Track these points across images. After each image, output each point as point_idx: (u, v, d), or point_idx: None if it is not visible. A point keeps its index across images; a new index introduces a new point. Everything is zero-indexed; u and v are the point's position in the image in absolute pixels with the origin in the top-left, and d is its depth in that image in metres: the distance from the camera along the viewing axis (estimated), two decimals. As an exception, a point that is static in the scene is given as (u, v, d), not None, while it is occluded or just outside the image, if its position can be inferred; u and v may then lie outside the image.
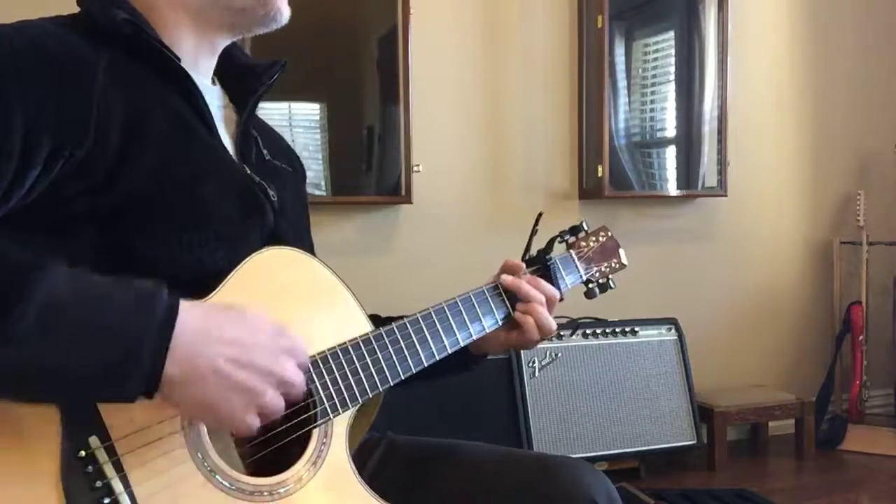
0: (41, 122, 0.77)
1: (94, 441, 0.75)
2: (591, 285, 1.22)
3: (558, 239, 1.19)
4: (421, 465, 1.07)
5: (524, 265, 1.13)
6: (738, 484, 2.43)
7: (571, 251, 1.20)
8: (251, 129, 1.03)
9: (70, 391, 0.73)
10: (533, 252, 1.17)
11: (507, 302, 1.09)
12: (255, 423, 0.79)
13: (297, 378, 0.82)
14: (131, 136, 0.83)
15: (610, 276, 1.23)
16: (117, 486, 0.75)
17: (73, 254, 0.79)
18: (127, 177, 0.82)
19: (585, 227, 1.22)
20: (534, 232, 1.18)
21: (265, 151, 1.05)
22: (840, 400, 2.99)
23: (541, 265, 1.15)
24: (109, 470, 0.75)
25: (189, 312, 0.76)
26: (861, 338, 2.94)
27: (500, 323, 1.08)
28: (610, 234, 1.24)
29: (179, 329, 0.74)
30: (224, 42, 1.00)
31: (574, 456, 2.32)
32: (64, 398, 0.74)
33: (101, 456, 0.75)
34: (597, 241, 1.22)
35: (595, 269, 1.21)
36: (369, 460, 1.08)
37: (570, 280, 1.18)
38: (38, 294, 0.69)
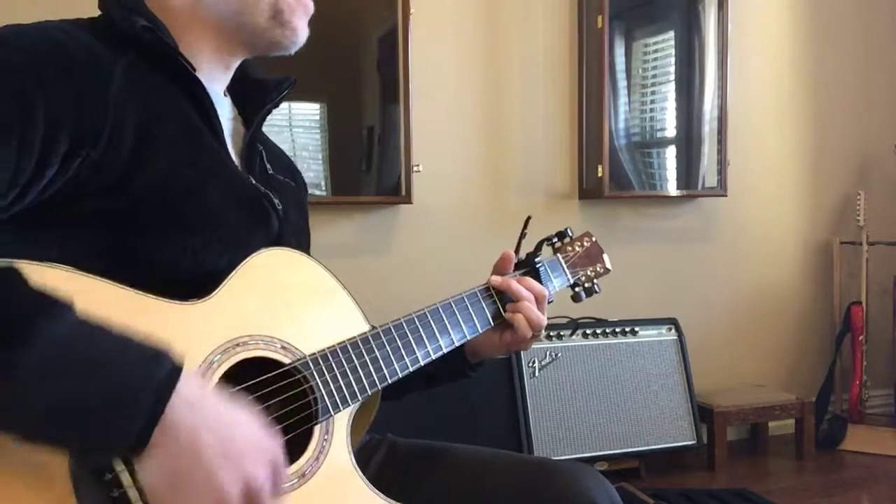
0: (60, 120, 0.77)
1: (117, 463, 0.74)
2: (577, 289, 1.24)
3: (546, 242, 1.22)
4: (422, 468, 1.08)
5: (513, 255, 1.15)
6: (738, 484, 2.43)
7: (559, 255, 1.22)
8: (257, 144, 1.04)
9: (59, 435, 0.70)
10: (522, 255, 1.19)
11: (497, 302, 1.11)
12: None
13: (265, 487, 0.76)
14: (144, 139, 0.83)
15: (595, 281, 1.25)
16: (126, 478, 0.75)
17: (77, 254, 0.80)
18: (138, 179, 0.83)
19: (570, 233, 1.25)
20: (522, 235, 1.20)
21: (268, 166, 1.07)
22: (840, 400, 3.00)
23: (530, 268, 1.17)
24: (118, 463, 0.75)
25: (189, 380, 0.73)
26: (861, 338, 2.94)
27: (492, 323, 1.10)
28: (594, 239, 1.26)
29: (176, 394, 0.71)
30: (239, 59, 1.01)
31: (574, 456, 2.35)
32: (49, 443, 0.71)
33: (119, 465, 0.74)
34: (581, 246, 1.25)
35: (581, 273, 1.23)
36: (370, 462, 1.09)
37: (558, 283, 1.20)
38: (48, 327, 0.68)
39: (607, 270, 1.25)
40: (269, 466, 0.77)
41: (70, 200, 0.80)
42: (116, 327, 0.73)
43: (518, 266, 1.17)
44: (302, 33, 0.98)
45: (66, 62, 0.80)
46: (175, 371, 0.72)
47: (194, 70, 0.92)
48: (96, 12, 0.93)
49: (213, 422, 0.74)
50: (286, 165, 1.15)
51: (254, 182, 0.98)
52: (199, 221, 0.88)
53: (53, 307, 0.70)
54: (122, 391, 0.69)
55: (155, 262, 0.84)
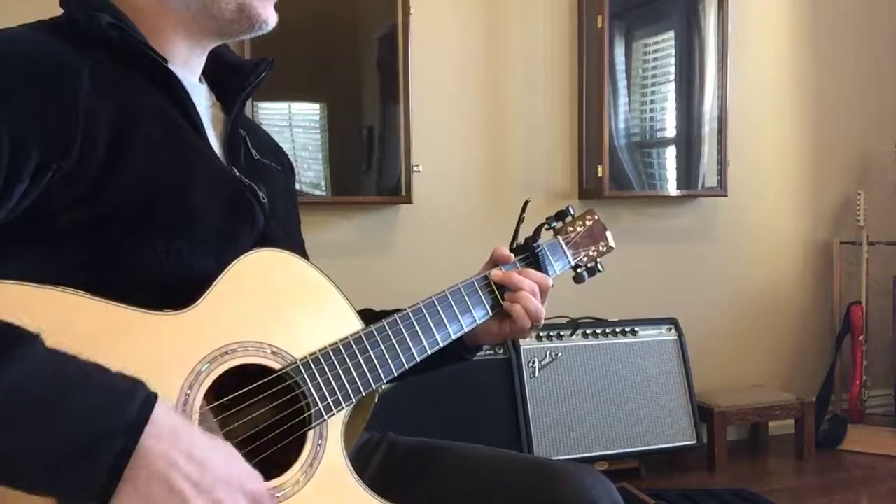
0: (27, 134, 0.75)
1: None
2: (579, 270, 1.21)
3: (545, 226, 1.19)
4: (422, 467, 1.07)
5: (513, 255, 1.12)
6: (738, 484, 2.43)
7: (559, 237, 1.20)
8: (239, 129, 1.02)
9: (25, 481, 0.68)
10: (520, 240, 1.17)
11: (496, 292, 1.08)
12: None
13: None
14: (120, 143, 0.81)
15: (598, 260, 1.22)
16: None
17: (58, 267, 0.78)
18: (115, 185, 0.80)
19: (572, 212, 1.22)
20: (520, 220, 1.18)
21: (254, 151, 1.04)
22: (840, 400, 2.99)
23: (528, 253, 1.14)
24: None
25: (164, 417, 0.71)
26: (861, 338, 2.93)
27: (491, 314, 1.08)
28: (597, 217, 1.23)
29: (149, 424, 0.69)
30: (212, 45, 0.99)
31: (574, 456, 2.35)
32: (20, 487, 0.69)
33: None
34: (583, 224, 1.22)
35: (583, 253, 1.20)
36: (371, 461, 1.08)
37: (559, 266, 1.18)
38: (5, 375, 0.66)
39: (610, 248, 1.22)
40: (249, 496, 0.75)
41: (46, 213, 0.78)
42: (83, 362, 0.71)
43: (517, 251, 1.14)
44: (271, 19, 0.96)
45: (29, 72, 0.78)
46: (146, 406, 0.70)
47: (166, 62, 0.89)
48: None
49: (187, 450, 0.71)
50: (272, 149, 1.13)
51: (237, 174, 0.96)
52: (182, 223, 0.86)
53: (12, 348, 0.68)
54: (91, 435, 0.67)
55: (140, 269, 0.82)
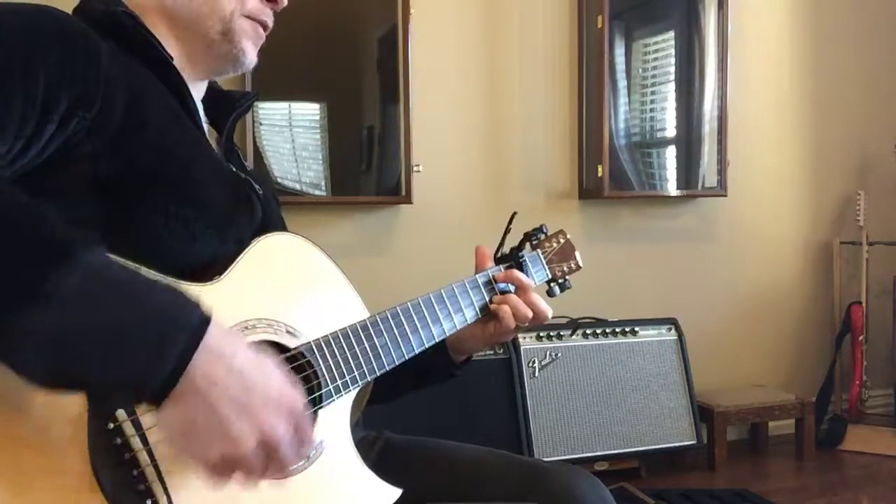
0: (60, 79, 0.80)
1: (120, 414, 0.75)
2: (552, 284, 1.27)
3: (531, 238, 1.26)
4: (417, 466, 1.09)
5: (487, 251, 1.19)
6: (738, 484, 2.43)
7: (538, 251, 1.26)
8: (233, 145, 1.08)
9: (93, 366, 0.68)
10: (506, 249, 1.23)
11: (484, 295, 1.13)
12: (221, 474, 0.73)
13: (284, 440, 0.75)
14: (132, 112, 0.86)
15: (567, 277, 1.29)
16: (144, 458, 0.76)
17: (75, 223, 0.78)
18: (129, 146, 0.85)
19: (545, 231, 1.29)
20: (507, 230, 1.24)
21: (247, 164, 1.11)
22: (840, 400, 3.00)
23: (513, 262, 1.20)
24: (136, 443, 0.75)
25: (215, 330, 0.72)
26: (861, 338, 2.94)
27: (480, 314, 1.12)
28: (568, 237, 1.31)
29: (203, 341, 0.71)
30: (202, 75, 1.04)
31: (574, 456, 2.35)
32: (85, 374, 0.68)
33: (129, 429, 0.75)
34: (557, 243, 1.29)
35: (557, 269, 1.27)
36: (366, 458, 1.09)
37: (538, 277, 1.24)
38: (85, 255, 0.68)
39: (579, 267, 1.30)
40: (289, 418, 0.75)
41: (65, 165, 0.81)
42: (144, 269, 0.75)
43: (502, 259, 1.21)
44: (250, 56, 1.02)
45: (62, 30, 0.83)
46: (206, 318, 0.72)
47: (171, 59, 0.94)
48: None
49: (235, 373, 0.73)
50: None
51: (234, 169, 1.01)
52: (188, 193, 0.90)
53: (88, 239, 0.71)
54: (158, 327, 0.69)
55: (150, 231, 0.85)
